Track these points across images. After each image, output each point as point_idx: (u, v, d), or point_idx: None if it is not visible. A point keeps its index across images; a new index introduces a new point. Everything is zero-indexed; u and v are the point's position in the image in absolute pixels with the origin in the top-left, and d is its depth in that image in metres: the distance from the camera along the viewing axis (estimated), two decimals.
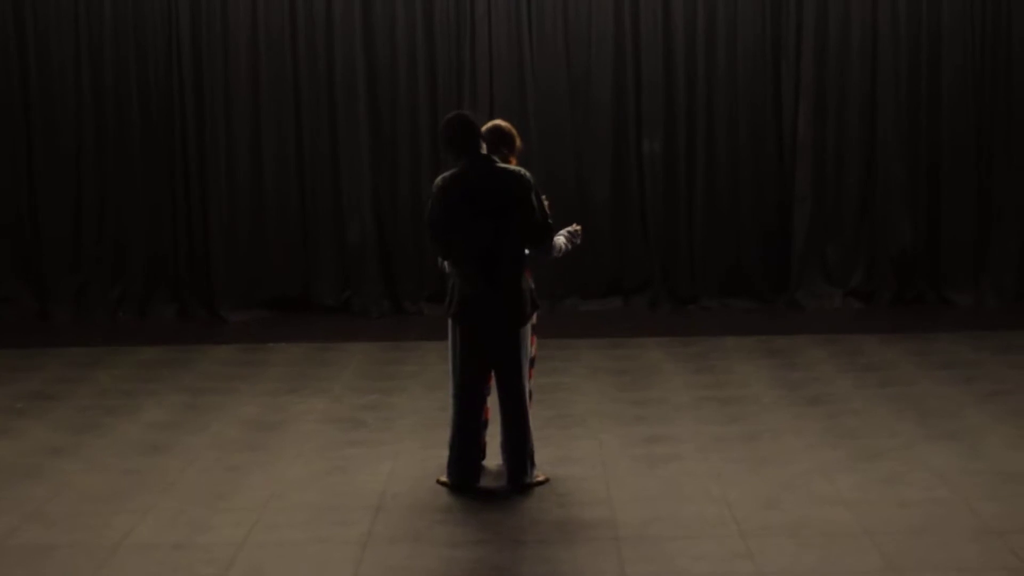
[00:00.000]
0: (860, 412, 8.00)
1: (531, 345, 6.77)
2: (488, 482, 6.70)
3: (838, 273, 11.54)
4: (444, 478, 6.65)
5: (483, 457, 6.76)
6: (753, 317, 11.21)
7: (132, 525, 6.18)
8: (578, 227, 6.98)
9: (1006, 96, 11.33)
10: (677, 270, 11.57)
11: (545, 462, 6.89)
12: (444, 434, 6.81)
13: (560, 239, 6.76)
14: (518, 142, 6.90)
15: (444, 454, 6.68)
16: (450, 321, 6.63)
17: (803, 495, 6.45)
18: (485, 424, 6.77)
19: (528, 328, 6.64)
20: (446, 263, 6.64)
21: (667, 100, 11.42)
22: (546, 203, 6.53)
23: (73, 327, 11.21)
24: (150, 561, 5.73)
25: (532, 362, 6.85)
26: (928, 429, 7.58)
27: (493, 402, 6.71)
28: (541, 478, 6.67)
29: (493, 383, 6.66)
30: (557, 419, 7.93)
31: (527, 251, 6.54)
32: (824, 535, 5.88)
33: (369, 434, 7.76)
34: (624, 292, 11.59)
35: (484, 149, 6.54)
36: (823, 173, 11.46)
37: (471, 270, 6.46)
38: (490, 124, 6.93)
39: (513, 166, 6.59)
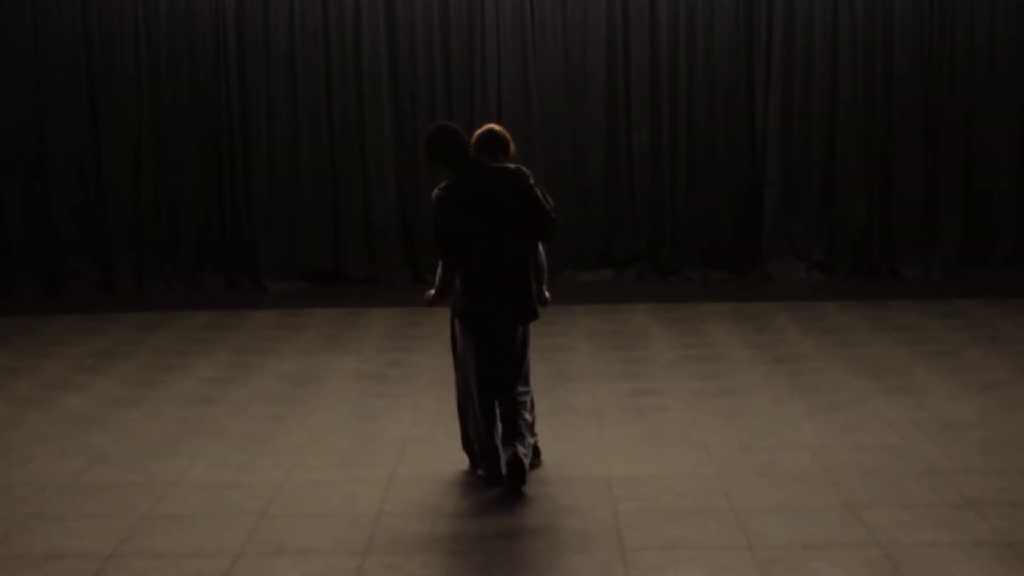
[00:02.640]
0: (821, 370, 7.99)
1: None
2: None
3: (803, 248, 11.48)
4: (481, 472, 5.94)
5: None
6: (728, 287, 11.16)
7: (186, 467, 6.21)
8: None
9: (950, 94, 11.23)
10: (662, 245, 11.53)
11: (546, 413, 6.89)
12: None
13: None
14: (512, 147, 5.93)
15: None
16: (455, 321, 5.93)
17: (771, 441, 6.47)
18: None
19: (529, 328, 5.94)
20: (441, 274, 5.88)
21: (653, 95, 11.35)
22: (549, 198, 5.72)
23: (134, 297, 11.19)
24: (201, 498, 5.76)
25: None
26: (881, 384, 7.58)
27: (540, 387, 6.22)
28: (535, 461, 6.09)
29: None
30: (557, 375, 7.93)
31: (531, 248, 5.79)
32: (789, 476, 5.89)
33: (393, 387, 7.76)
34: (615, 264, 11.55)
35: (473, 152, 5.76)
36: (789, 160, 11.39)
37: (478, 273, 5.69)
38: (483, 129, 5.97)
39: (509, 164, 5.76)
